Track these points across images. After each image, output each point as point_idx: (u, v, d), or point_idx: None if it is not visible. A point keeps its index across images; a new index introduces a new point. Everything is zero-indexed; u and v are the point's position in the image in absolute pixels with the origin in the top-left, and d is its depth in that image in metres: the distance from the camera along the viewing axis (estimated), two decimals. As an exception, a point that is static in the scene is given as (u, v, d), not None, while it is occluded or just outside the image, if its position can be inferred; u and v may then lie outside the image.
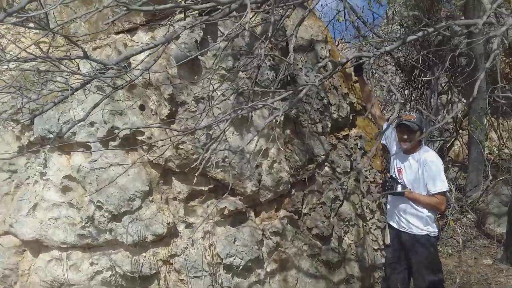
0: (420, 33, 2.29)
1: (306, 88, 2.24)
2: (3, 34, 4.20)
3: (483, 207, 7.25)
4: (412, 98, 6.98)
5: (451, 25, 2.35)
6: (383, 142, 4.35)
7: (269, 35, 2.59)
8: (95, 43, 4.53)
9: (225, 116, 2.65)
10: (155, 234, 4.24)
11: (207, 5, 1.53)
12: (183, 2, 3.98)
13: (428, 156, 3.85)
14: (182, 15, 4.27)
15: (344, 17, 4.98)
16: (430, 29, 2.25)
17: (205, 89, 4.28)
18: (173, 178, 4.43)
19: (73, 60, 3.55)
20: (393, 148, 4.19)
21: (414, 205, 3.86)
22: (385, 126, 4.12)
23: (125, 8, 1.94)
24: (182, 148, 4.23)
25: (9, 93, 3.14)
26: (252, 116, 4.41)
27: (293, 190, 4.67)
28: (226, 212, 4.32)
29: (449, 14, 6.15)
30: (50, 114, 4.18)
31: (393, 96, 7.12)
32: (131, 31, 4.53)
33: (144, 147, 4.28)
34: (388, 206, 4.24)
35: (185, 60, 3.61)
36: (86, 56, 2.59)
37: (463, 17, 6.75)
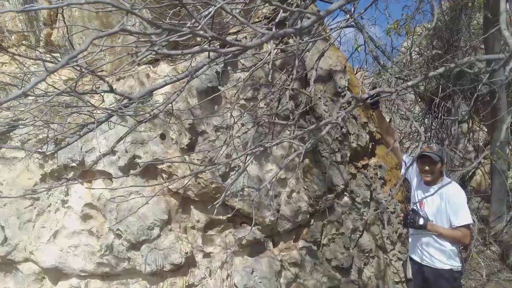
0: (441, 69, 2.29)
1: (327, 126, 2.24)
2: (31, 71, 4.33)
3: (507, 239, 7.03)
4: (433, 127, 6.91)
5: (473, 61, 2.34)
6: (404, 173, 4.30)
7: (293, 76, 2.61)
8: (118, 75, 4.64)
9: (246, 151, 2.65)
10: (173, 263, 4.22)
11: (233, 49, 1.56)
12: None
13: (451, 188, 3.78)
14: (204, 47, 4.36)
15: (365, 50, 4.98)
16: (452, 65, 2.25)
17: (225, 119, 4.32)
18: (192, 206, 4.44)
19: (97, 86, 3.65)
20: (414, 180, 4.13)
21: (437, 238, 3.78)
22: (404, 157, 4.08)
23: (152, 45, 1.98)
24: (201, 177, 4.25)
25: (35, 126, 3.22)
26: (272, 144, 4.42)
27: (312, 220, 4.62)
28: (244, 242, 4.29)
29: (470, 46, 6.13)
30: (73, 142, 4.26)
31: (411, 124, 7.07)
32: (154, 62, 4.64)
33: (164, 175, 4.32)
34: (410, 239, 4.16)
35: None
36: (111, 90, 2.65)
37: (483, 46, 6.73)
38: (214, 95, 3.67)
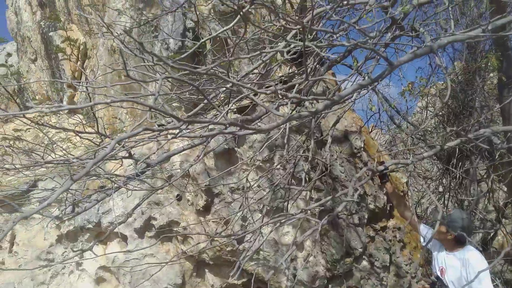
0: (457, 141, 2.29)
1: (343, 203, 2.23)
2: (53, 140, 4.45)
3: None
4: (451, 187, 6.81)
5: (489, 136, 2.33)
6: (423, 242, 4.17)
7: (309, 143, 2.63)
8: (138, 137, 4.73)
9: (262, 224, 2.64)
10: (186, 330, 4.09)
11: (249, 132, 1.61)
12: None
13: (472, 255, 3.65)
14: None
15: (379, 110, 5.04)
16: (470, 135, 2.25)
17: (241, 180, 4.32)
18: (206, 270, 4.35)
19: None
20: (435, 246, 4.01)
21: (461, 308, 3.60)
22: (421, 227, 4.00)
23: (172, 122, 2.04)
24: (216, 240, 4.20)
25: (54, 189, 3.26)
26: (287, 207, 4.38)
27: (330, 286, 4.47)
28: (260, 308, 4.16)
29: (485, 106, 6.15)
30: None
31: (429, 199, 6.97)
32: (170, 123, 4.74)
33: (179, 237, 4.28)
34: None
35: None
36: (130, 156, 2.69)
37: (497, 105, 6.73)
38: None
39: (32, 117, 5.68)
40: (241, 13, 1.86)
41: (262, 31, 3.06)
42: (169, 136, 2.62)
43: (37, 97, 7.61)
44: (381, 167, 2.86)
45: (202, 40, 2.63)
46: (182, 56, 2.70)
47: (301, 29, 2.12)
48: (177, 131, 2.14)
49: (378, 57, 2.93)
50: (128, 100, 1.51)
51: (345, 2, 2.51)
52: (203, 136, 1.79)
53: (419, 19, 3.30)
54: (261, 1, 2.07)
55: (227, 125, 1.48)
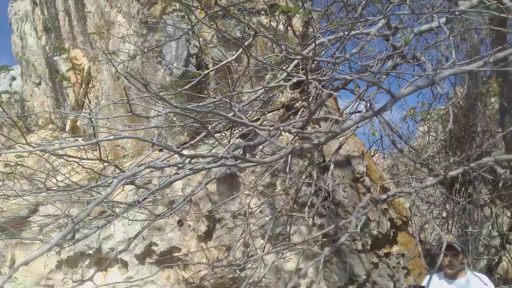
0: (460, 170, 2.29)
1: (346, 235, 2.22)
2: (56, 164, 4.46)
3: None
4: (455, 213, 6.75)
5: (492, 165, 2.33)
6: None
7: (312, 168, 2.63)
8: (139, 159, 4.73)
9: (264, 253, 2.61)
10: None
11: (251, 164, 1.61)
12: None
13: (478, 282, 3.58)
14: (223, 134, 4.47)
15: (381, 134, 5.03)
16: (472, 164, 2.24)
17: (243, 206, 4.30)
18: (208, 298, 4.28)
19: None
20: (433, 282, 3.91)
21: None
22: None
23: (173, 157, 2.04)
24: (217, 267, 4.15)
25: (55, 215, 3.25)
26: (290, 233, 4.34)
27: (333, 314, 4.39)
28: (262, 337, 4.07)
29: (487, 147, 6.15)
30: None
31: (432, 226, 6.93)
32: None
33: (180, 263, 4.23)
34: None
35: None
36: (132, 182, 2.69)
37: (500, 129, 6.73)
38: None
39: (34, 141, 5.70)
40: (243, 46, 1.89)
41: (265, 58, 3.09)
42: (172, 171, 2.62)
43: (40, 121, 7.65)
44: (384, 196, 2.85)
45: (205, 72, 2.66)
46: (185, 87, 2.72)
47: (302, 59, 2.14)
48: (182, 165, 2.14)
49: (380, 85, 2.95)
50: (131, 138, 1.52)
51: (346, 33, 2.54)
52: (206, 168, 1.79)
53: (421, 45, 3.35)
54: (263, 34, 2.10)
55: (229, 158, 1.49)
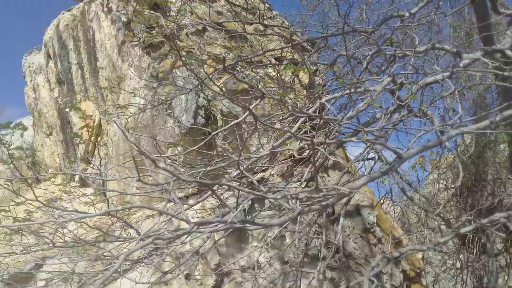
0: (471, 227, 2.25)
1: None
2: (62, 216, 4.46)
3: None
4: (469, 263, 6.56)
5: (505, 222, 2.29)
6: None
7: (322, 222, 2.60)
8: (147, 211, 4.72)
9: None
10: None
11: (259, 227, 1.60)
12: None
13: None
14: (231, 184, 4.46)
15: (390, 187, 5.00)
16: (484, 220, 2.20)
17: (251, 258, 4.22)
18: None
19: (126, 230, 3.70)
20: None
21: None
22: None
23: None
24: (226, 323, 4.02)
25: (61, 271, 3.20)
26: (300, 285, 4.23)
27: None
28: None
29: (498, 179, 6.09)
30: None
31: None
32: (182, 198, 4.73)
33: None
34: None
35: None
36: (138, 234, 2.66)
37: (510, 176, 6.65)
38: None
39: (43, 194, 5.72)
40: (251, 110, 1.92)
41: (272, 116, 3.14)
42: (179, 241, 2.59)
43: (49, 170, 7.72)
44: (396, 254, 2.79)
45: (214, 133, 2.69)
46: (194, 148, 2.75)
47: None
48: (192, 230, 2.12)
49: (388, 137, 2.97)
50: (141, 207, 1.52)
51: (352, 90, 2.59)
52: (214, 231, 1.78)
53: (426, 94, 3.38)
54: (270, 95, 2.15)
55: (237, 223, 1.48)
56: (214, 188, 2.42)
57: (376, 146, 4.32)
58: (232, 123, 2.55)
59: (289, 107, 2.40)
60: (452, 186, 6.09)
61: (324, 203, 1.85)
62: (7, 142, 3.03)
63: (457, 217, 6.60)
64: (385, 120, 2.65)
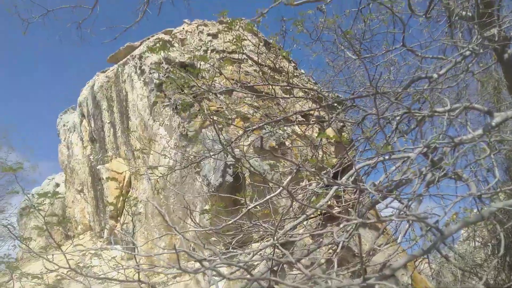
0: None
1: None
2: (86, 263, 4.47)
3: None
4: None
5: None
6: None
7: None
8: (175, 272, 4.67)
9: None
10: None
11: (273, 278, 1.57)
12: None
13: None
14: (258, 244, 4.40)
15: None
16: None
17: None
18: None
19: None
20: None
21: None
22: None
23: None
24: None
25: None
26: None
27: None
28: None
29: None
30: None
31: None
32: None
33: None
34: None
35: None
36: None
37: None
38: None
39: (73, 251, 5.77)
40: (286, 188, 1.93)
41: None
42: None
43: (79, 227, 7.81)
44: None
45: (248, 208, 2.70)
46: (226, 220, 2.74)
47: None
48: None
49: (421, 200, 2.90)
50: (171, 267, 1.51)
51: (386, 157, 2.58)
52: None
53: (460, 158, 3.32)
54: (306, 168, 2.16)
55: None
56: (243, 265, 2.40)
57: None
58: (267, 197, 2.56)
59: (325, 179, 2.40)
60: (489, 243, 5.84)
61: (359, 281, 1.80)
62: (43, 210, 3.11)
63: (496, 277, 6.27)
64: (419, 182, 2.61)
